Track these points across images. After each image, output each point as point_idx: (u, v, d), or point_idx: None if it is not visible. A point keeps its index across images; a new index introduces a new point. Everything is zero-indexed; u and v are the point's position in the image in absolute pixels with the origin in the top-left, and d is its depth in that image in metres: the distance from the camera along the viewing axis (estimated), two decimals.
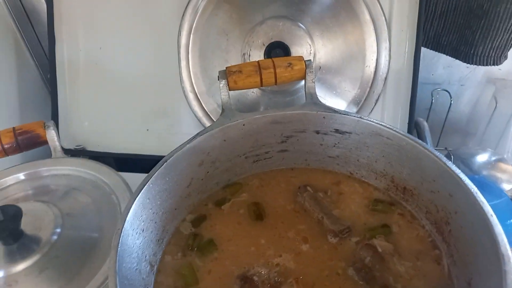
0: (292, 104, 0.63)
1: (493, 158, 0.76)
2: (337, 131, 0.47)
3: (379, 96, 0.63)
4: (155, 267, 0.42)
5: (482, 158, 0.77)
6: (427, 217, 0.44)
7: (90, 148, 0.69)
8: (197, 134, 0.46)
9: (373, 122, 0.45)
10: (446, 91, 0.76)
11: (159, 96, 0.68)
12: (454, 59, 0.68)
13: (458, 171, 0.39)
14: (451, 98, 0.76)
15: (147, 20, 0.65)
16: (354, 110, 0.63)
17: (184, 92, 0.65)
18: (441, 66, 0.76)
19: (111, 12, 0.66)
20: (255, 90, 0.63)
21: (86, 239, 0.40)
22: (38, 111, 0.75)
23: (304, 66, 0.49)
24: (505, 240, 0.33)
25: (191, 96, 0.65)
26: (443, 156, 0.40)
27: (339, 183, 0.50)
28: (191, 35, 0.63)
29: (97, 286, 0.35)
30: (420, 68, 0.63)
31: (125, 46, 0.67)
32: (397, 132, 0.43)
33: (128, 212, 0.38)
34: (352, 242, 0.44)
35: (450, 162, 0.40)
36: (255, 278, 0.40)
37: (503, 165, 0.75)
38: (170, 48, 0.64)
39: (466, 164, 0.72)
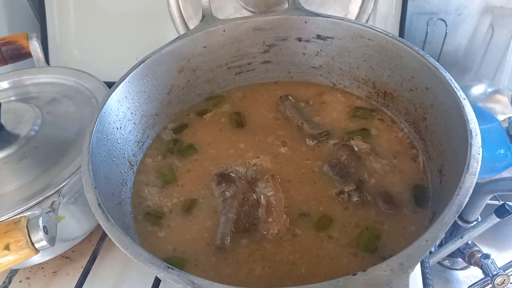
0: None
1: (489, 90, 0.75)
2: (319, 37, 0.47)
3: (369, 16, 0.61)
4: (135, 167, 0.43)
5: (478, 90, 0.76)
6: (406, 118, 0.44)
7: None
8: (176, 38, 0.45)
9: (355, 23, 0.44)
10: (442, 20, 0.74)
11: (147, 23, 0.67)
12: None
13: (435, 63, 0.38)
14: (447, 27, 0.74)
15: None
16: None
17: (171, 16, 0.64)
18: None
19: None
20: (245, 12, 0.62)
21: (64, 136, 0.41)
22: None
23: None
24: (475, 118, 0.33)
25: (178, 21, 0.64)
26: (421, 50, 0.40)
27: (322, 94, 0.50)
28: None
29: (71, 172, 0.36)
30: None
31: None
32: (378, 31, 0.42)
33: (104, 103, 0.38)
34: (329, 144, 0.44)
35: (428, 55, 0.39)
36: (232, 174, 0.41)
37: (498, 96, 0.74)
38: None
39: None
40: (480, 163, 0.30)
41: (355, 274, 0.25)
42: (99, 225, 0.29)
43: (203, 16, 0.47)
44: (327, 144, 0.44)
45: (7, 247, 0.28)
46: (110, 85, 0.68)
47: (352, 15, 0.61)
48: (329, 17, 0.45)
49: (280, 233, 0.36)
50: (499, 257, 0.67)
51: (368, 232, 0.36)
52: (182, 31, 0.65)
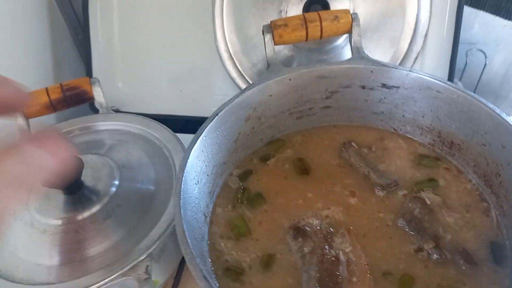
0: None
1: None
2: (384, 85, 0.47)
3: (418, 54, 0.62)
4: (208, 218, 0.43)
5: None
6: (475, 170, 0.44)
7: (124, 109, 0.70)
8: (245, 88, 0.46)
9: (424, 75, 0.44)
10: (481, 51, 0.74)
11: (193, 56, 0.67)
12: (492, 16, 0.66)
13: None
14: (486, 58, 0.74)
15: None
16: None
17: (218, 51, 0.65)
18: (477, 25, 0.74)
19: None
20: (289, 47, 0.63)
21: (143, 190, 0.41)
22: (71, 72, 0.75)
23: (351, 20, 0.48)
24: None
25: (225, 55, 0.65)
26: (497, 108, 0.40)
27: (382, 139, 0.50)
28: None
29: (159, 233, 0.36)
30: None
31: (158, 5, 0.66)
32: (448, 85, 0.43)
33: (186, 161, 0.39)
34: (399, 195, 0.44)
35: (504, 113, 0.39)
36: (307, 228, 0.41)
37: None
38: (204, 7, 0.63)
39: None
40: None
41: None
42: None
43: (268, 65, 0.48)
44: (397, 195, 0.44)
45: None
46: (156, 118, 0.69)
47: (402, 51, 0.61)
48: (396, 68, 0.46)
49: None
50: None
51: None
52: (228, 66, 0.65)
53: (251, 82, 0.65)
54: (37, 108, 0.47)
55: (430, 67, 0.62)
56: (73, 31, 0.74)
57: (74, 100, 0.48)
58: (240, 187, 0.46)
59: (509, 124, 0.39)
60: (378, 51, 0.62)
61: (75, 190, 0.38)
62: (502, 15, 0.64)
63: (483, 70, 0.75)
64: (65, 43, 0.73)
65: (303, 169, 0.48)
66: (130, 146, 0.45)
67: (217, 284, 0.38)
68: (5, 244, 0.37)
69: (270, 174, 0.48)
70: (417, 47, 0.61)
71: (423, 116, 0.47)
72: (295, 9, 0.60)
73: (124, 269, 0.33)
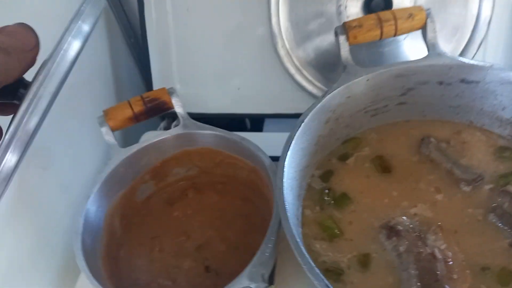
0: (388, 56, 0.62)
1: None
2: (463, 80, 0.47)
3: (481, 41, 0.61)
4: (299, 221, 0.45)
5: None
6: None
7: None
8: (325, 93, 0.46)
9: (508, 70, 0.44)
10: None
11: (249, 55, 0.68)
12: None
13: None
14: None
15: None
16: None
17: (275, 48, 0.65)
18: None
19: None
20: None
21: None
22: (129, 76, 0.76)
23: (425, 16, 0.48)
24: None
25: (282, 52, 0.65)
26: None
27: (459, 133, 0.50)
28: None
29: (270, 246, 0.39)
30: None
31: (212, 6, 0.66)
32: None
33: (283, 171, 0.40)
34: (485, 190, 0.45)
35: None
36: (399, 227, 0.43)
37: None
38: (259, 3, 0.63)
39: None
40: None
41: None
42: None
43: (344, 67, 0.48)
44: (483, 189, 0.45)
45: None
46: (215, 117, 0.70)
47: (464, 39, 0.61)
48: (477, 64, 0.45)
49: None
50: None
51: None
52: (286, 62, 0.65)
53: (309, 78, 0.65)
54: (122, 121, 0.49)
55: (494, 54, 0.61)
56: (126, 35, 0.76)
57: (155, 111, 0.50)
58: (324, 188, 0.48)
59: None
60: (440, 40, 0.61)
61: None
62: None
63: None
64: (121, 49, 0.74)
65: (384, 167, 0.49)
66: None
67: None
68: None
69: (351, 173, 0.49)
70: (480, 35, 0.60)
71: (503, 109, 0.47)
72: (355, 4, 0.60)
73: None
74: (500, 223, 0.42)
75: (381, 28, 0.48)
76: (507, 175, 0.45)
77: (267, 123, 0.73)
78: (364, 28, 0.48)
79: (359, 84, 0.48)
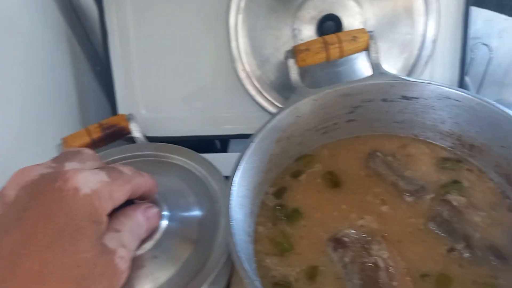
0: (343, 75, 0.66)
1: None
2: (404, 97, 0.50)
3: (428, 59, 0.64)
4: (251, 237, 0.47)
5: None
6: (496, 170, 0.47)
7: (149, 134, 0.73)
8: (275, 113, 0.49)
9: (443, 86, 0.47)
10: (485, 44, 0.77)
11: (211, 78, 0.70)
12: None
13: None
14: (490, 51, 0.77)
15: (195, 4, 0.67)
16: (404, 74, 0.65)
17: (236, 72, 0.68)
18: (480, 20, 0.76)
19: None
20: None
21: (191, 219, 0.44)
22: (95, 102, 0.78)
23: (367, 38, 0.51)
24: None
25: (242, 75, 0.68)
26: None
27: (405, 146, 0.53)
28: (240, 15, 0.65)
29: (214, 266, 0.40)
30: None
31: (175, 33, 0.69)
32: (466, 94, 0.46)
33: (231, 189, 0.42)
34: (427, 199, 0.47)
35: None
36: (345, 239, 0.45)
37: None
38: (219, 30, 0.66)
39: None
40: None
41: None
42: None
43: (294, 88, 0.51)
44: (425, 199, 0.47)
45: None
46: (179, 140, 0.72)
47: (412, 58, 0.64)
48: (416, 81, 0.49)
49: None
50: None
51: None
52: (246, 85, 0.68)
53: (269, 98, 0.68)
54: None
55: (441, 71, 0.65)
56: (92, 63, 0.78)
57: (113, 137, 0.52)
58: (276, 204, 0.50)
59: None
60: (390, 59, 0.65)
61: None
62: (506, 12, 0.66)
63: (488, 62, 0.78)
64: (86, 76, 0.76)
65: (334, 182, 0.51)
66: (168, 175, 0.49)
67: None
68: None
69: (303, 189, 0.51)
70: (427, 52, 0.64)
71: (442, 123, 0.50)
72: (308, 27, 0.63)
73: None
74: (439, 230, 0.44)
75: (327, 50, 0.51)
76: (447, 185, 0.48)
77: (232, 143, 0.75)
78: (311, 51, 0.51)
79: (307, 104, 0.50)
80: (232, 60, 0.67)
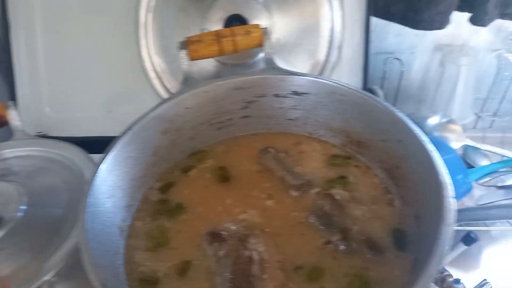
0: None
1: (443, 120, 0.81)
2: (295, 92, 0.50)
3: (334, 64, 0.66)
4: (125, 232, 0.43)
5: (433, 121, 0.82)
6: (380, 165, 0.47)
7: (52, 133, 0.69)
8: (161, 102, 0.47)
9: (328, 81, 0.48)
10: (398, 59, 0.80)
11: (120, 77, 0.68)
12: (404, 27, 0.72)
13: (405, 118, 0.42)
14: (402, 66, 0.80)
15: (106, 1, 0.66)
16: None
17: (144, 71, 0.66)
18: (392, 35, 0.80)
19: None
20: (216, 64, 0.65)
21: (54, 212, 0.41)
22: None
23: (261, 33, 0.51)
24: (445, 170, 0.36)
25: (152, 75, 0.66)
26: (391, 106, 0.44)
27: (299, 144, 0.53)
28: (150, 14, 0.64)
29: (67, 253, 0.36)
30: (372, 38, 0.67)
31: (83, 28, 0.67)
32: (349, 88, 0.47)
33: (94, 177, 0.39)
34: (312, 194, 0.46)
35: (398, 110, 0.43)
36: (223, 233, 0.42)
37: (452, 126, 0.81)
38: (128, 28, 0.65)
39: (419, 127, 0.77)
40: (453, 213, 0.33)
41: None
42: None
43: (185, 79, 0.49)
44: (310, 193, 0.46)
45: None
46: (85, 141, 0.68)
47: (320, 63, 0.65)
48: (304, 75, 0.49)
49: None
50: (467, 278, 0.71)
51: (357, 280, 0.38)
52: (156, 85, 0.66)
53: None
54: None
55: (347, 75, 0.66)
56: None
57: None
58: (160, 199, 0.47)
59: (402, 119, 0.42)
60: (298, 64, 0.65)
61: None
62: (409, 25, 0.70)
63: (400, 76, 0.81)
64: None
65: (223, 177, 0.49)
66: (44, 171, 0.45)
67: None
68: None
69: (191, 184, 0.49)
70: (333, 58, 0.65)
71: (333, 119, 0.50)
72: (215, 27, 0.63)
73: None
74: (318, 223, 0.43)
75: (220, 43, 0.50)
76: (334, 180, 0.48)
77: None
78: (204, 43, 0.50)
79: (197, 96, 0.49)
80: (141, 60, 0.65)
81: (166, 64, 0.66)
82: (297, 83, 0.49)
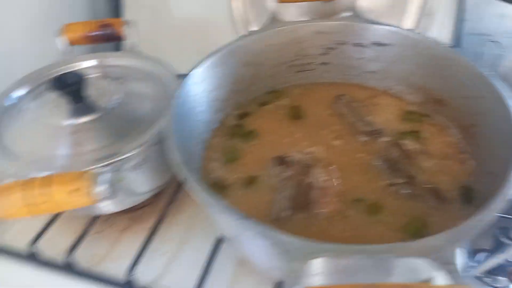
0: None
1: None
2: (376, 43, 0.50)
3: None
4: (203, 145, 0.48)
5: None
6: (457, 124, 0.46)
7: None
8: (245, 35, 0.50)
9: (410, 33, 0.47)
10: (496, 41, 0.75)
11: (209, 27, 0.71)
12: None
13: (487, 73, 0.41)
14: (502, 50, 0.75)
15: None
16: None
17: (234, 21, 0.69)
18: (491, 16, 0.75)
19: None
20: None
21: (137, 114, 0.47)
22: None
23: None
24: None
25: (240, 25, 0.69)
26: (472, 60, 0.43)
27: (375, 96, 0.53)
28: None
29: (140, 144, 0.42)
30: (467, 17, 0.63)
31: None
32: (433, 41, 0.46)
33: (186, 82, 0.43)
34: (381, 142, 0.47)
35: (479, 66, 0.42)
36: (289, 159, 0.45)
37: None
38: None
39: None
40: None
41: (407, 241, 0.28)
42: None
43: (272, 19, 0.52)
44: (379, 141, 0.47)
45: (71, 192, 0.35)
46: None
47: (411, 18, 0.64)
48: (386, 26, 0.49)
49: (334, 213, 0.40)
50: None
51: (416, 221, 0.39)
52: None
53: None
54: (79, 37, 0.55)
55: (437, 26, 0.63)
56: None
57: (107, 37, 0.55)
58: (236, 124, 0.51)
59: (483, 75, 0.41)
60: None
61: (75, 101, 0.45)
62: None
63: (498, 61, 0.76)
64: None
65: (296, 114, 0.51)
66: (140, 80, 0.52)
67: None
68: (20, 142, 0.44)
69: (265, 116, 0.52)
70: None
71: (412, 75, 0.50)
72: None
73: (101, 164, 0.40)
74: (384, 167, 0.44)
75: None
76: (406, 133, 0.47)
77: None
78: None
79: (280, 34, 0.51)
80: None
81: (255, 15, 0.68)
82: (379, 33, 0.50)
